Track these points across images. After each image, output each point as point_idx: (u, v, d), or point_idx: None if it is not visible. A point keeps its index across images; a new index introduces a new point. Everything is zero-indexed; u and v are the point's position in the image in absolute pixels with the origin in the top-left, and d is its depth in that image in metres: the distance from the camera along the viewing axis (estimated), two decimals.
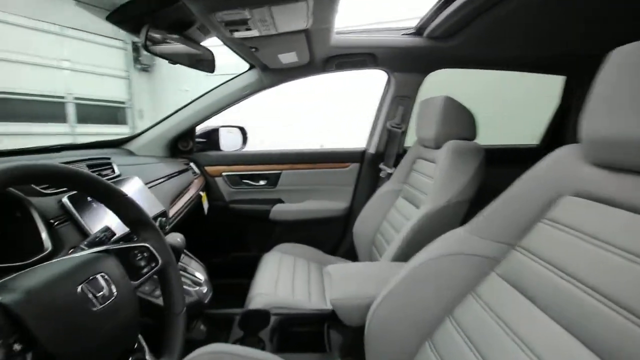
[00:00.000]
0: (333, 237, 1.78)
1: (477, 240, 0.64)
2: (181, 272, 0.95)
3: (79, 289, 0.42)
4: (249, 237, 1.77)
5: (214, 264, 1.78)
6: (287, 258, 1.46)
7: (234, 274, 1.63)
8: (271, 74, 1.47)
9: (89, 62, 5.80)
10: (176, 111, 1.54)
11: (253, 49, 1.09)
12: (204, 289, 0.94)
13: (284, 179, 1.71)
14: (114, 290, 0.46)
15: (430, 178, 1.19)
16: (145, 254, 0.59)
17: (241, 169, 1.69)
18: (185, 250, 1.07)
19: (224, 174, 1.68)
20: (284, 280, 1.27)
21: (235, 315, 1.04)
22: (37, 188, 0.66)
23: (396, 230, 1.31)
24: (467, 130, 1.19)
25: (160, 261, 0.61)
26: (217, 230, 1.72)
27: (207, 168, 1.67)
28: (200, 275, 0.98)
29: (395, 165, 1.54)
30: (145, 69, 7.00)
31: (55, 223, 0.65)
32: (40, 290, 0.38)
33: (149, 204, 0.96)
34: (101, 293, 0.44)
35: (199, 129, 1.75)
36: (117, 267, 0.50)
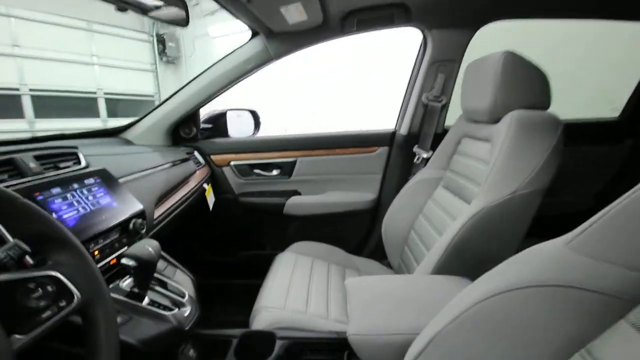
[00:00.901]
0: (358, 234, 1.53)
1: (594, 265, 0.37)
2: (154, 289, 0.75)
3: None
4: (261, 234, 1.58)
5: (222, 264, 1.61)
6: (303, 260, 1.24)
7: (245, 274, 1.44)
8: (278, 42, 1.21)
9: (117, 56, 5.88)
10: (174, 93, 1.34)
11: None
12: (186, 311, 0.73)
13: (300, 167, 1.47)
14: None
15: (485, 163, 0.89)
16: (49, 288, 0.38)
17: (251, 157, 1.48)
18: (169, 259, 0.87)
19: (232, 163, 1.48)
20: (297, 289, 1.05)
21: (233, 338, 0.83)
22: None
23: (436, 228, 1.04)
24: (538, 95, 0.87)
25: (77, 297, 0.40)
26: (226, 226, 1.54)
27: (213, 157, 1.48)
28: (185, 292, 0.78)
29: (434, 148, 1.25)
30: (171, 61, 7.01)
31: None
32: None
33: (120, 201, 0.76)
34: None
35: (205, 114, 1.55)
36: None
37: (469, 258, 0.80)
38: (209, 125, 1.55)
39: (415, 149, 1.35)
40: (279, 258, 1.24)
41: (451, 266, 0.79)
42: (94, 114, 5.65)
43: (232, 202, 1.50)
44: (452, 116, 1.25)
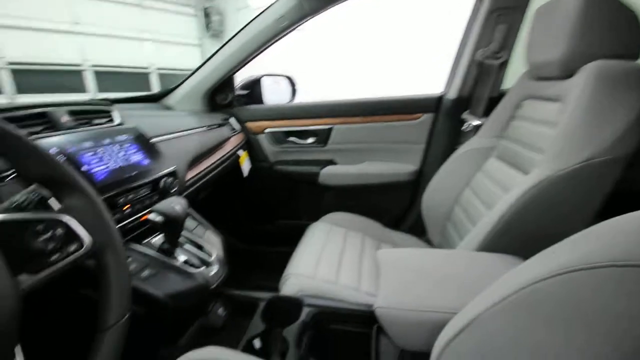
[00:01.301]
0: (396, 207, 1.44)
1: None
2: (183, 247, 0.76)
3: None
4: (296, 203, 1.55)
5: (256, 231, 1.62)
6: (336, 230, 1.19)
7: (278, 242, 1.44)
8: None
9: (166, 31, 6.08)
10: (209, 59, 1.32)
11: None
12: (213, 270, 0.73)
13: (336, 135, 1.40)
14: None
15: (552, 125, 0.75)
16: (57, 232, 0.37)
17: (286, 124, 1.43)
18: (200, 219, 0.87)
19: (267, 130, 1.45)
20: (328, 259, 1.02)
21: (261, 301, 0.83)
22: None
23: (485, 203, 0.92)
24: (626, 41, 0.70)
25: (86, 243, 0.39)
26: (261, 194, 1.54)
27: (249, 124, 1.46)
28: (214, 252, 0.78)
29: (487, 114, 1.10)
30: (216, 34, 7.10)
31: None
32: None
33: (151, 160, 0.77)
34: None
35: (241, 80, 1.52)
36: None
37: (521, 235, 0.70)
38: (245, 92, 1.52)
39: (465, 115, 1.20)
40: (312, 227, 1.21)
41: (499, 244, 0.69)
42: (147, 89, 5.99)
43: (267, 170, 1.49)
44: (511, 80, 1.08)
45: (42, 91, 4.40)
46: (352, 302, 0.82)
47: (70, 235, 0.37)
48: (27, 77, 4.32)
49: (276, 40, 1.24)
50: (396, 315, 0.53)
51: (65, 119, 0.66)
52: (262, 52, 1.27)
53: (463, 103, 1.21)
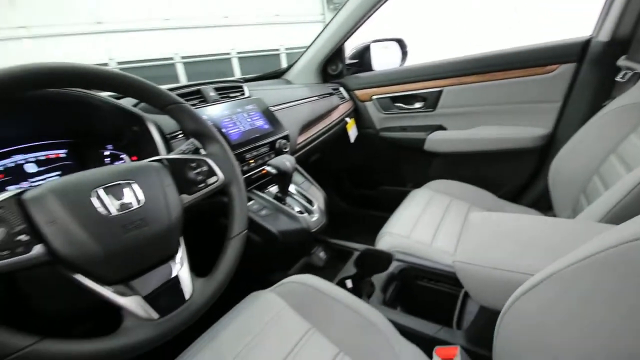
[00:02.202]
0: (516, 177, 1.28)
1: None
2: (293, 196, 0.91)
3: (93, 192, 0.40)
4: (400, 170, 1.56)
5: (360, 195, 1.71)
6: (440, 197, 1.16)
7: (381, 207, 1.50)
8: None
9: (293, 13, 6.56)
10: (321, 32, 1.42)
11: None
12: (314, 217, 0.86)
13: (447, 98, 1.32)
14: (141, 199, 0.43)
15: None
16: (203, 168, 0.54)
17: (393, 90, 1.43)
18: (306, 175, 1.02)
19: (374, 97, 1.48)
20: (426, 223, 1.02)
21: (355, 251, 0.93)
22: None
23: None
24: None
25: (220, 178, 0.55)
26: (366, 160, 1.61)
27: (357, 92, 1.52)
28: (316, 203, 0.91)
29: None
30: (337, 8, 7.22)
31: (170, 136, 0.72)
32: (57, 190, 0.38)
33: (270, 125, 0.94)
34: (121, 201, 0.42)
35: (351, 49, 1.58)
36: (159, 178, 0.47)
37: None
38: (355, 61, 1.58)
39: (622, 61, 0.94)
40: (414, 192, 1.22)
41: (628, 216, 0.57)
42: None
43: (373, 137, 1.53)
44: None
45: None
46: (444, 265, 0.83)
47: (211, 172, 0.54)
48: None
49: (382, 4, 1.22)
50: (473, 271, 0.53)
51: (212, 94, 0.89)
52: (367, 18, 1.28)
53: (619, 46, 0.94)
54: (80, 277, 0.38)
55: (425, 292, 0.82)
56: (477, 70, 1.23)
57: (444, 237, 0.97)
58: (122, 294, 0.40)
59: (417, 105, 1.39)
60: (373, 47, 1.52)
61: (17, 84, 0.39)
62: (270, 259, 0.86)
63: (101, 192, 0.41)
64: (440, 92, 1.31)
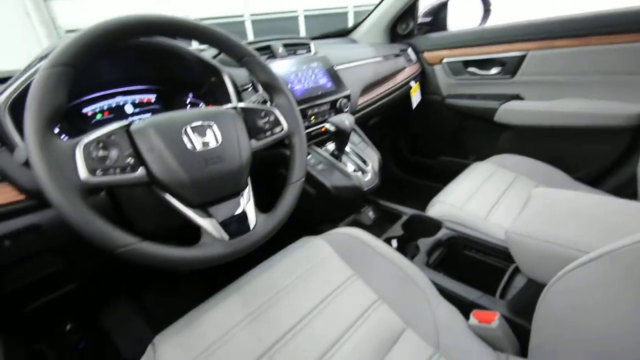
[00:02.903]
0: (600, 158, 1.14)
1: None
2: (348, 155, 0.94)
3: (183, 129, 0.48)
4: (463, 141, 1.47)
5: (418, 164, 1.66)
6: (504, 172, 1.09)
7: (437, 178, 1.46)
8: None
9: None
10: None
11: None
12: (367, 177, 0.88)
13: (530, 64, 1.18)
14: (219, 139, 0.50)
15: None
16: (270, 118, 0.59)
17: (467, 52, 1.31)
18: (363, 136, 1.03)
19: (444, 60, 1.38)
20: (484, 197, 0.98)
21: (404, 215, 0.94)
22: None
23: None
24: None
25: (284, 128, 0.60)
26: (427, 128, 1.54)
27: (426, 54, 1.43)
28: (370, 163, 0.93)
29: None
30: None
31: (242, 88, 0.78)
32: (156, 125, 0.46)
33: (333, 83, 0.95)
34: (203, 139, 0.49)
35: (425, 6, 1.47)
36: (234, 123, 0.53)
37: None
38: (428, 19, 1.46)
39: None
40: (475, 165, 1.16)
41: None
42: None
43: (437, 104, 1.46)
44: None
45: None
46: (495, 239, 0.80)
47: (277, 122, 0.59)
48: None
49: None
50: (525, 243, 0.52)
51: (280, 49, 0.92)
52: None
53: None
54: (170, 198, 0.47)
55: (472, 263, 0.81)
56: (570, 33, 1.07)
57: (502, 213, 0.92)
58: (201, 217, 0.48)
59: (494, 70, 1.27)
60: (451, 3, 1.39)
61: (133, 31, 0.46)
62: (321, 211, 0.92)
63: (189, 130, 0.48)
64: (523, 57, 1.18)
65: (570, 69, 1.11)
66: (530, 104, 1.22)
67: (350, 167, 0.90)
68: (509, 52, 1.21)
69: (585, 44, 1.04)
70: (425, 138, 1.61)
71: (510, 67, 1.23)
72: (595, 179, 1.15)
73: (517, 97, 1.26)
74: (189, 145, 0.47)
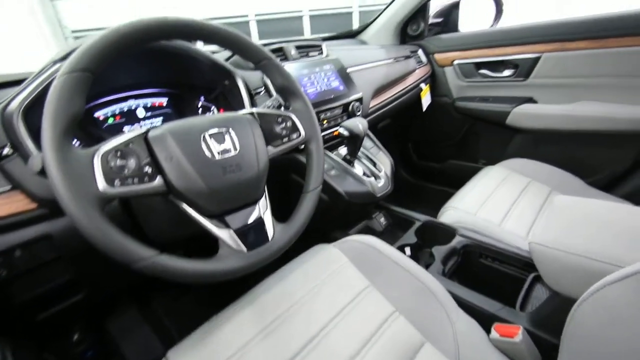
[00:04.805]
0: (615, 163, 1.11)
1: None
2: (361, 160, 0.92)
3: (201, 137, 0.46)
4: (473, 145, 1.45)
5: (426, 168, 1.64)
6: (517, 177, 1.07)
7: (446, 182, 1.44)
8: None
9: None
10: None
11: None
12: (380, 183, 0.87)
13: (544, 66, 1.16)
14: (237, 147, 0.48)
15: None
16: (287, 124, 0.57)
17: (479, 54, 1.29)
18: (376, 141, 1.02)
19: (455, 62, 1.36)
20: (497, 203, 0.96)
21: (417, 221, 0.92)
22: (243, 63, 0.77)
23: None
24: None
25: (302, 134, 0.58)
26: (436, 130, 1.52)
27: (437, 56, 1.41)
28: (382, 168, 0.91)
29: None
30: None
31: (255, 92, 0.76)
32: (174, 132, 0.45)
33: (345, 86, 0.93)
34: (222, 146, 0.47)
35: (436, 6, 1.45)
36: (252, 129, 0.51)
37: None
38: (439, 20, 1.44)
39: None
40: (487, 169, 1.14)
41: None
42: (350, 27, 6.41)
43: (447, 106, 1.44)
44: None
45: None
46: (513, 247, 0.79)
47: (295, 128, 0.57)
48: None
49: None
50: (551, 255, 0.50)
51: (293, 52, 0.90)
52: None
53: None
54: (186, 207, 0.46)
55: (488, 271, 0.80)
56: (586, 35, 1.04)
57: (517, 219, 0.90)
58: (218, 227, 0.47)
59: (506, 73, 1.25)
60: (463, 4, 1.37)
61: (154, 34, 0.45)
62: (333, 217, 0.91)
63: (207, 137, 0.46)
64: (537, 59, 1.16)
65: (587, 72, 1.09)
66: (543, 107, 1.20)
67: (362, 172, 0.88)
68: (523, 54, 1.19)
69: (604, 46, 1.02)
70: (434, 141, 1.59)
71: (524, 69, 1.20)
72: (609, 185, 1.13)
73: (531, 100, 1.24)
74: (207, 153, 0.46)
